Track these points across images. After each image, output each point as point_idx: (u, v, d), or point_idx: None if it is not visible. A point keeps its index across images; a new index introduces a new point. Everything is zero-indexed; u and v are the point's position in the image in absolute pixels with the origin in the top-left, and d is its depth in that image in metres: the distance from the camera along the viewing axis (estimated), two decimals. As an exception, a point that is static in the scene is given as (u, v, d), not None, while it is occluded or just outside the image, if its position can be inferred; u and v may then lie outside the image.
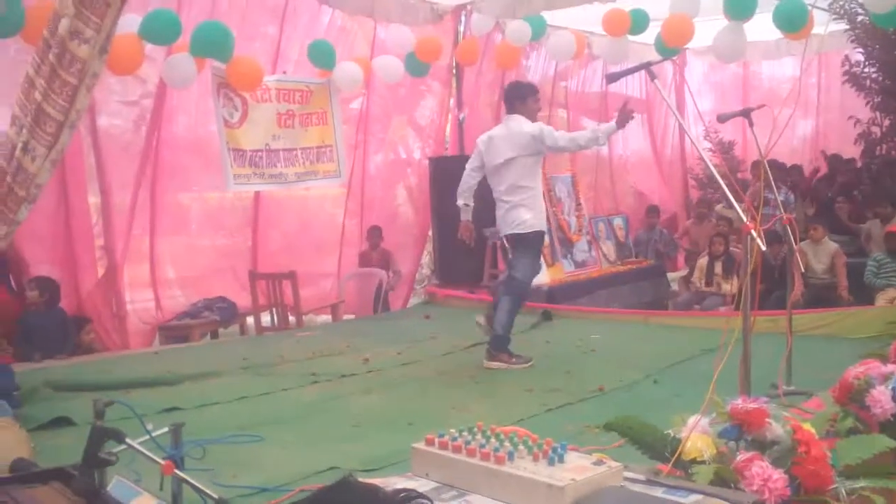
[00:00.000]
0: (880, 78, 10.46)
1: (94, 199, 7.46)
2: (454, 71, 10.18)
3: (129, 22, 6.41)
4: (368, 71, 8.55)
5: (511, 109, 6.04)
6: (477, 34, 9.35)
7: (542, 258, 8.86)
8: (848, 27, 10.07)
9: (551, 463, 2.13)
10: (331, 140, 8.49)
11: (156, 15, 6.61)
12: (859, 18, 9.82)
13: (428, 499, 1.10)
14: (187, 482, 2.53)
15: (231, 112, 7.59)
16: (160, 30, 6.59)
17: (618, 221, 10.77)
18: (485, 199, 6.00)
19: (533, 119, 6.01)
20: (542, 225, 5.98)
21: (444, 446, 2.29)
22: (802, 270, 7.00)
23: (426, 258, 10.70)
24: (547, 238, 9.13)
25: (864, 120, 11.06)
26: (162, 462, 2.54)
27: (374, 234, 9.37)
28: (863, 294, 8.21)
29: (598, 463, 2.17)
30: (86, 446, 2.60)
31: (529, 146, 5.83)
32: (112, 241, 7.51)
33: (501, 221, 5.95)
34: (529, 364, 5.76)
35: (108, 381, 5.45)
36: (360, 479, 1.11)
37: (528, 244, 5.91)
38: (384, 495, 1.05)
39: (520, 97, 6.03)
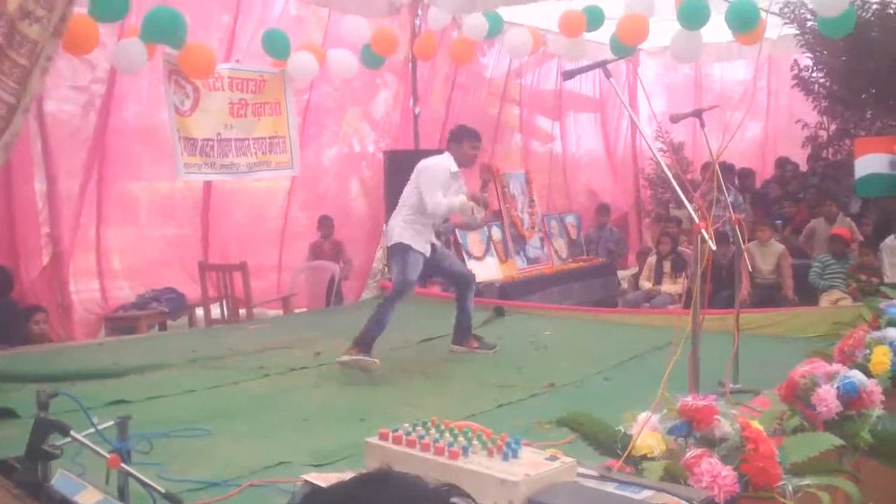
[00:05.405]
0: (828, 83, 10.67)
1: (39, 186, 7.28)
2: (410, 65, 10.13)
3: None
4: (322, 61, 8.46)
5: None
6: (433, 28, 9.31)
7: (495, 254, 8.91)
8: (798, 32, 10.23)
9: (505, 458, 2.14)
10: (284, 131, 8.38)
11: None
12: (808, 24, 9.96)
13: (470, 497, 1.08)
14: (133, 476, 2.49)
15: (182, 99, 7.46)
16: (107, 6, 6.44)
17: (570, 219, 10.83)
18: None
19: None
20: None
21: (398, 441, 2.28)
22: (750, 270, 7.11)
23: (379, 252, 10.66)
24: (499, 234, 9.21)
25: (811, 124, 11.29)
26: (108, 455, 2.49)
27: (326, 223, 9.26)
28: (807, 294, 8.37)
29: (552, 458, 2.18)
30: (29, 439, 2.55)
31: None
32: (58, 229, 7.32)
33: None
34: None
35: (53, 373, 5.31)
36: (401, 472, 1.09)
37: None
38: (428, 489, 1.03)
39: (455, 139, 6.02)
